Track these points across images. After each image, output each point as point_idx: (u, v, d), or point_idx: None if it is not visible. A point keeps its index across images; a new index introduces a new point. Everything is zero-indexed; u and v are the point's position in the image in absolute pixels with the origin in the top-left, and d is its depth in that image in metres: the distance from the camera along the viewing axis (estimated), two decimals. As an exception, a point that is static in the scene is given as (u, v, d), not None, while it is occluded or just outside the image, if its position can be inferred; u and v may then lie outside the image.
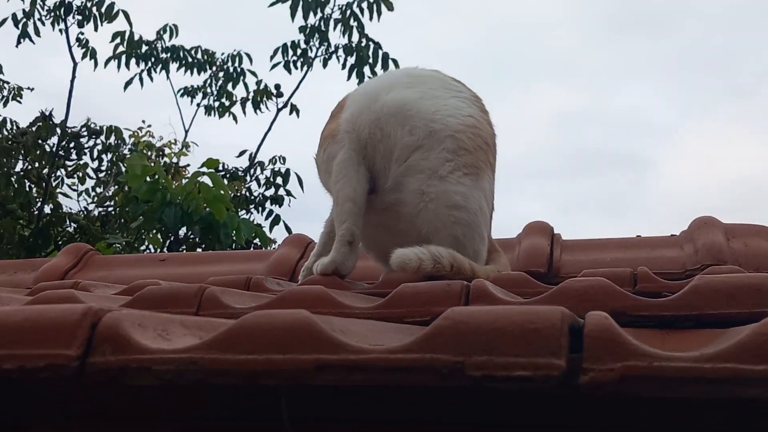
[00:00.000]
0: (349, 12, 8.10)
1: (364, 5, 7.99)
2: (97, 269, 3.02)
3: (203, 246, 6.14)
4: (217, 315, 1.58)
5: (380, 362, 0.93)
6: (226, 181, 7.01)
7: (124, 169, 7.30)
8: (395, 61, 7.97)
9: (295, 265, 2.74)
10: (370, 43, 8.04)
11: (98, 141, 8.14)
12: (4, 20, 8.00)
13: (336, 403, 1.13)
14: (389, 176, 2.20)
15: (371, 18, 7.99)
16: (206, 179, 5.78)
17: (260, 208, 7.92)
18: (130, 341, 1.01)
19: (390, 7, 7.87)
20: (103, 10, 8.08)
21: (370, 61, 7.99)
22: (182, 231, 6.18)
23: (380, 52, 7.98)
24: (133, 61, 8.41)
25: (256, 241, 6.53)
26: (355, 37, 8.13)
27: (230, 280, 2.08)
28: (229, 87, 8.71)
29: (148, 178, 5.84)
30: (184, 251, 6.26)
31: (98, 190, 8.29)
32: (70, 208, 8.05)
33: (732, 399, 0.89)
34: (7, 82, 8.68)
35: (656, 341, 1.31)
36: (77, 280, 2.39)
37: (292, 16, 8.01)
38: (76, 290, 1.96)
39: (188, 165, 8.29)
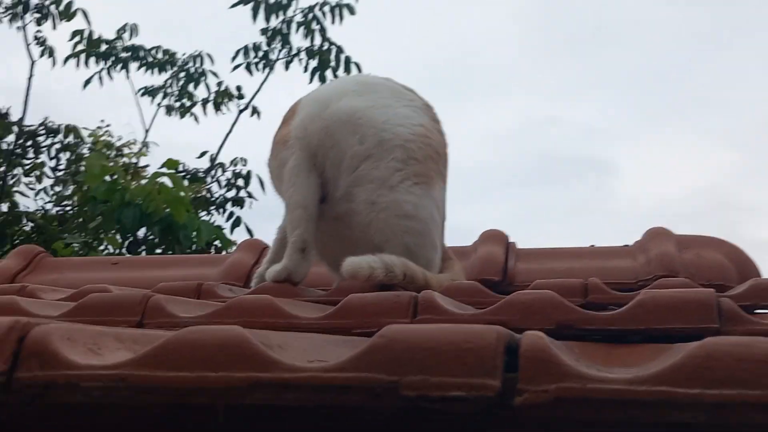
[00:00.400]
0: (311, 15, 8.07)
1: (327, 9, 7.97)
2: (48, 272, 2.96)
3: (163, 247, 6.07)
4: (162, 324, 1.55)
5: (313, 381, 0.91)
6: (186, 182, 6.94)
7: (82, 168, 7.21)
8: (357, 65, 7.97)
9: (249, 270, 2.70)
10: (333, 46, 8.02)
11: (56, 140, 8.03)
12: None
13: (278, 421, 1.10)
14: (339, 185, 2.18)
15: (333, 22, 7.99)
16: (166, 180, 5.72)
17: (221, 210, 7.86)
18: (58, 356, 0.98)
19: (352, 12, 7.86)
20: (61, 8, 7.97)
21: (332, 64, 7.96)
22: (142, 232, 6.10)
23: (342, 56, 7.96)
24: (93, 60, 8.30)
25: (217, 243, 6.46)
26: (318, 40, 8.12)
27: (181, 287, 2.04)
28: (191, 87, 8.62)
29: (107, 178, 5.77)
30: (144, 252, 6.18)
31: (56, 189, 8.16)
32: (28, 207, 7.93)
33: (671, 423, 0.87)
34: (-37, 80, 8.56)
35: (601, 355, 1.30)
36: (25, 284, 2.34)
37: (254, 17, 7.96)
38: (21, 296, 1.91)
39: (148, 165, 8.20)
